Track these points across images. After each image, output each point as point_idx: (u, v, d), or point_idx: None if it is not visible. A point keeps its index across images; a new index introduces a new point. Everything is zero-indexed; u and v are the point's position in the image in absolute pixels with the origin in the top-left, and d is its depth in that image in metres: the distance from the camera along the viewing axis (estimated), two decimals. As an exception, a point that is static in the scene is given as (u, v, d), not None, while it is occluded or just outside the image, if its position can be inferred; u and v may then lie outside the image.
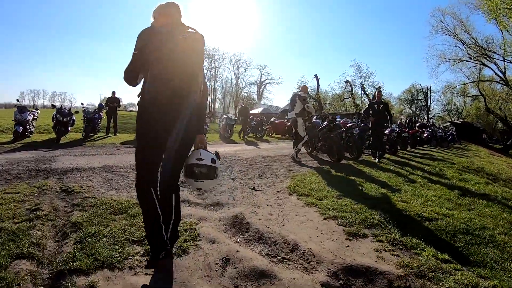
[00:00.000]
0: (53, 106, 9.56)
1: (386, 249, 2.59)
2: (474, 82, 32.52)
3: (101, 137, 10.32)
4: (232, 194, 3.81)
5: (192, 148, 2.08)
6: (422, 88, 42.60)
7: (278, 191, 4.07)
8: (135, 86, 2.11)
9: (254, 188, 4.13)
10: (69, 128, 9.26)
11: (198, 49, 1.97)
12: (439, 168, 7.41)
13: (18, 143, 7.85)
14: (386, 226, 3.05)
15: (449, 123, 32.02)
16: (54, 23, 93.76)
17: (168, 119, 1.91)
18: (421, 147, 13.59)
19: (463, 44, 27.60)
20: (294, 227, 2.87)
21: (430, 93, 42.01)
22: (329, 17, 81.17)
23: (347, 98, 40.10)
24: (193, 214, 2.95)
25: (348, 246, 2.57)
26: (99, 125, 11.39)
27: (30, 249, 2.15)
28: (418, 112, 44.59)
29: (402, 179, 5.48)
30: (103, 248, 2.15)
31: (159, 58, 1.94)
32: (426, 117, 41.99)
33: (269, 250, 2.42)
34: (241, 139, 12.93)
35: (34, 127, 9.89)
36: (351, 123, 8.99)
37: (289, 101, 7.11)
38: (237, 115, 27.17)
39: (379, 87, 35.69)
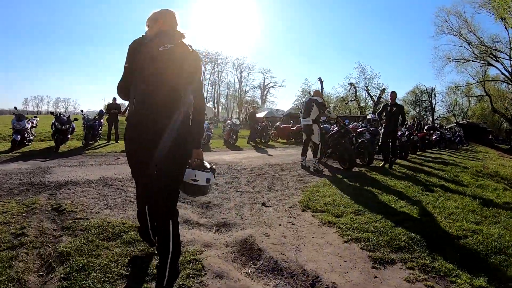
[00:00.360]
0: (51, 113, 9.29)
1: (419, 278, 2.28)
2: (479, 82, 32.04)
3: (102, 145, 10.04)
4: (240, 211, 3.46)
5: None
6: (426, 89, 42.02)
7: (290, 207, 3.72)
8: (128, 100, 1.99)
9: (263, 204, 3.78)
10: (69, 136, 8.99)
11: (185, 62, 1.85)
12: (454, 173, 7.09)
13: (16, 152, 7.57)
14: (414, 248, 2.73)
15: (454, 124, 31.52)
16: (57, 29, 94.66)
17: (158, 133, 1.81)
18: (430, 150, 13.24)
19: (469, 44, 27.26)
20: (312, 253, 2.53)
21: (434, 94, 41.48)
22: (330, 17, 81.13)
23: (351, 101, 39.72)
24: (197, 240, 2.60)
25: (376, 277, 2.24)
26: (100, 132, 11.12)
27: (10, 286, 1.88)
28: (422, 114, 43.94)
29: (419, 188, 5.15)
30: (91, 287, 1.83)
31: (147, 70, 1.81)
32: (430, 118, 41.39)
33: (286, 284, 2.09)
34: (248, 144, 12.61)
35: (34, 135, 9.64)
36: (361, 127, 8.62)
37: (303, 106, 6.67)
38: (243, 119, 26.88)
39: (384, 89, 35.34)
